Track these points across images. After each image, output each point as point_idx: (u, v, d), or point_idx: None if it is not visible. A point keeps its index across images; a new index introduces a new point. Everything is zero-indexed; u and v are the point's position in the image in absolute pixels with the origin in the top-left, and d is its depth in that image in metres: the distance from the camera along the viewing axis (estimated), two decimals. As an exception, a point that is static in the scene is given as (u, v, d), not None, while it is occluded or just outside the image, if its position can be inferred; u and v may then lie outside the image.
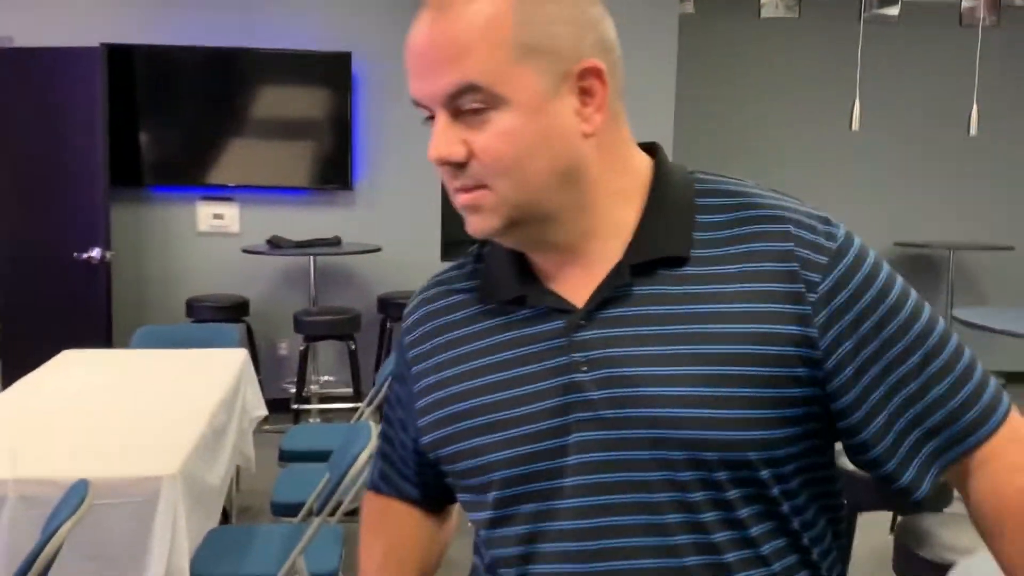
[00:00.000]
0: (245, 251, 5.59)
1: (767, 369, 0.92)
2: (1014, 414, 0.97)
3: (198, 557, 2.78)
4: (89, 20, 5.53)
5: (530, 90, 0.89)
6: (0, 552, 2.58)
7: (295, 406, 5.44)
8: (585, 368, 0.95)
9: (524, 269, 1.01)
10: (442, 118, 0.91)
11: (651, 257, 0.95)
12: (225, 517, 3.42)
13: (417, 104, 0.92)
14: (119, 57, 5.45)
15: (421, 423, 1.07)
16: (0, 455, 2.79)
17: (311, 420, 5.50)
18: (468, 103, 0.89)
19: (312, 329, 5.33)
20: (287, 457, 3.71)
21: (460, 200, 0.94)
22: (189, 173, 5.73)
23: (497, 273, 1.02)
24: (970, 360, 0.96)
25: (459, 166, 0.91)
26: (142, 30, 5.58)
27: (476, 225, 0.94)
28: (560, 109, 0.91)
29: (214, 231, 5.80)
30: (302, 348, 5.42)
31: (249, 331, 5.55)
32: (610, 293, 0.95)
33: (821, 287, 0.92)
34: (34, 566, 2.23)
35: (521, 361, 0.98)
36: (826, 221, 0.96)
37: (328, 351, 5.80)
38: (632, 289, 0.95)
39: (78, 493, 2.41)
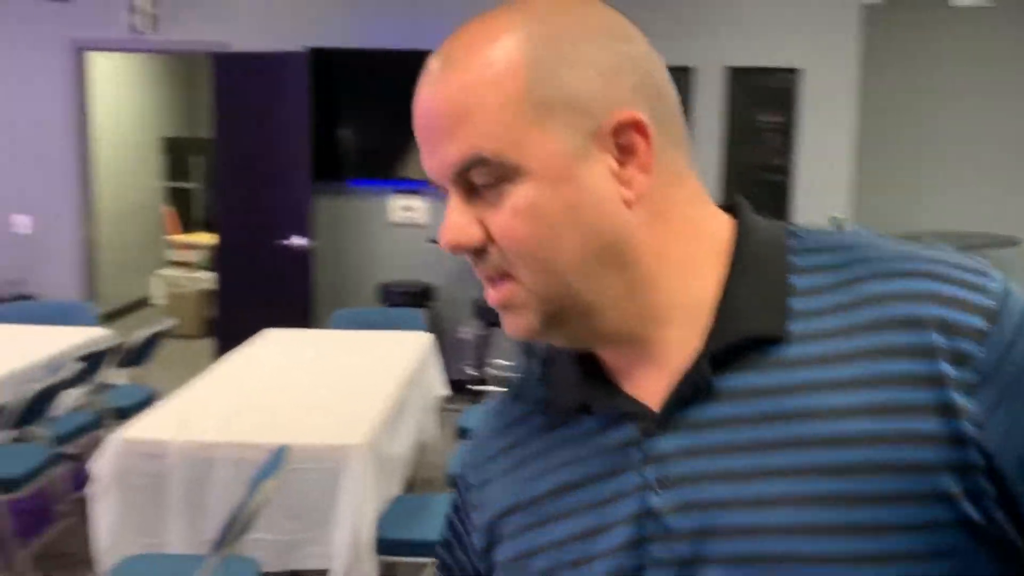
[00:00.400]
0: (431, 241, 5.93)
1: (901, 483, 0.67)
2: None
3: (382, 520, 3.06)
4: (296, 27, 5.99)
5: (551, 154, 0.72)
6: (212, 505, 2.94)
7: (473, 387, 5.75)
8: (659, 489, 0.74)
9: (591, 368, 0.81)
10: (454, 196, 0.75)
11: (736, 340, 0.74)
12: (408, 486, 3.71)
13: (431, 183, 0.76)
14: (322, 60, 5.89)
15: (483, 564, 0.88)
16: (214, 421, 3.17)
17: (487, 400, 5.77)
18: (479, 177, 0.73)
19: (491, 316, 5.61)
20: (465, 434, 3.96)
21: (488, 297, 0.77)
22: (383, 168, 6.12)
23: (561, 376, 0.83)
24: None
25: (478, 252, 0.75)
26: (342, 35, 6.00)
27: (511, 326, 0.77)
28: (591, 173, 0.73)
29: (404, 222, 6.17)
30: (481, 333, 5.71)
31: (434, 315, 5.89)
32: (690, 390, 0.74)
33: (979, 362, 0.68)
34: (239, 519, 2.56)
35: (588, 483, 0.79)
36: (980, 272, 0.71)
37: (504, 336, 6.05)
38: (717, 383, 0.74)
39: (279, 457, 2.73)
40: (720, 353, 0.74)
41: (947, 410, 0.68)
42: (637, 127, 0.73)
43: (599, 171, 0.73)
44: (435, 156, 0.74)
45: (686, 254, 0.77)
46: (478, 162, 0.72)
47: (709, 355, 0.74)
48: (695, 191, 0.79)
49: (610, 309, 0.75)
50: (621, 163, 0.73)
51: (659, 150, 0.74)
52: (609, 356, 0.80)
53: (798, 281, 0.75)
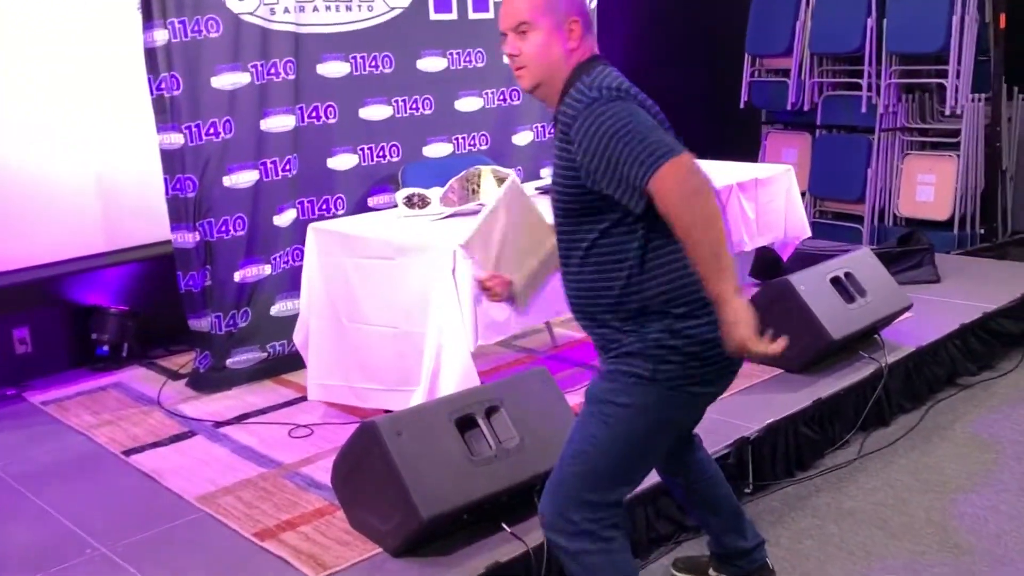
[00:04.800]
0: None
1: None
2: None
3: None
4: None
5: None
6: None
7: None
8: None
9: None
10: (511, 35, 2.16)
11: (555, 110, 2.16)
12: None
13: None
14: None
15: None
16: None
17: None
18: (523, 27, 2.14)
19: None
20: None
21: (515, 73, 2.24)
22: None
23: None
24: None
25: (515, 56, 2.17)
26: None
27: (521, 84, 2.20)
28: (558, 36, 2.13)
29: None
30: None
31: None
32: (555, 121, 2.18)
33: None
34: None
35: None
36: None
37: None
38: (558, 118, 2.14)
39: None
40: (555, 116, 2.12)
41: None
42: (575, 23, 2.12)
43: (560, 36, 2.11)
44: (505, 20, 2.16)
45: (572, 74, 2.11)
46: (523, 22, 2.11)
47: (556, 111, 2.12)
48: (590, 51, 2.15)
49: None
50: (569, 35, 2.12)
51: (583, 34, 2.13)
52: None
53: (573, 92, 2.06)
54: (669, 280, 2.07)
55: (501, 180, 3.67)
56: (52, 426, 3.89)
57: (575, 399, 3.71)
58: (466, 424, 2.81)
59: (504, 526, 2.75)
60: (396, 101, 4.58)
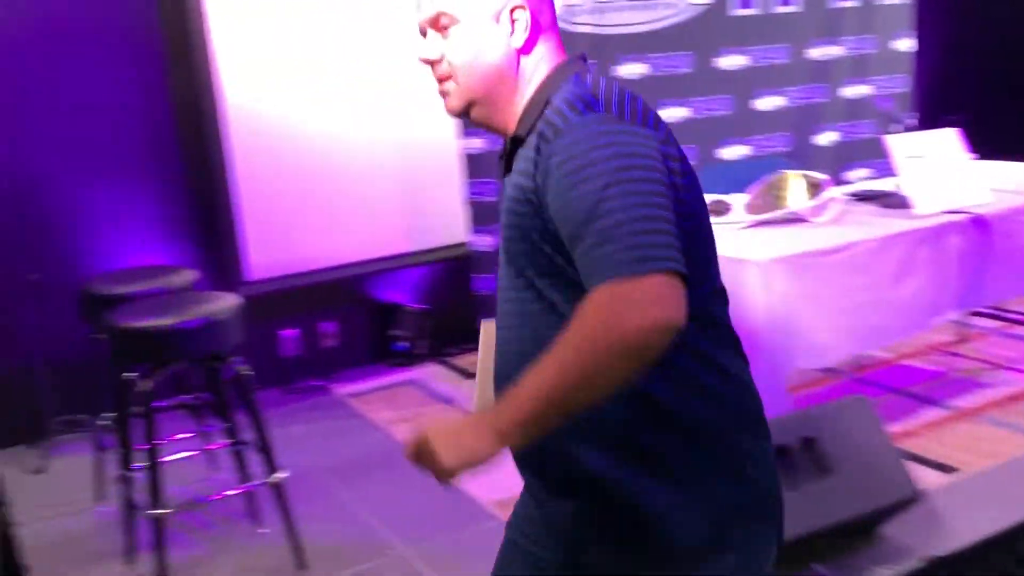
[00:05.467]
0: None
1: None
2: None
3: None
4: None
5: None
6: None
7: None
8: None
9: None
10: (429, 33, 1.49)
11: (513, 135, 1.45)
12: None
13: None
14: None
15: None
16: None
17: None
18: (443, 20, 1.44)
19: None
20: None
21: (439, 91, 1.53)
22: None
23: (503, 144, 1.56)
24: None
25: (435, 63, 1.49)
26: None
27: (447, 108, 1.52)
28: (497, 32, 1.43)
29: None
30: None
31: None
32: (508, 158, 1.45)
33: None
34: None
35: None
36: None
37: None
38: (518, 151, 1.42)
39: None
40: (515, 140, 1.42)
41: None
42: (519, 10, 1.42)
43: (496, 32, 1.43)
44: (421, 11, 1.46)
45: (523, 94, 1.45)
46: (442, 14, 1.43)
47: (510, 141, 1.44)
48: (559, 55, 1.47)
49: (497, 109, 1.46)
50: (513, 28, 1.42)
51: (536, 29, 1.43)
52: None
53: (547, 112, 1.36)
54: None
55: (814, 186, 3.43)
56: (356, 420, 4.07)
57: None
58: (779, 454, 2.64)
59: (816, 567, 2.56)
60: (693, 102, 4.42)
